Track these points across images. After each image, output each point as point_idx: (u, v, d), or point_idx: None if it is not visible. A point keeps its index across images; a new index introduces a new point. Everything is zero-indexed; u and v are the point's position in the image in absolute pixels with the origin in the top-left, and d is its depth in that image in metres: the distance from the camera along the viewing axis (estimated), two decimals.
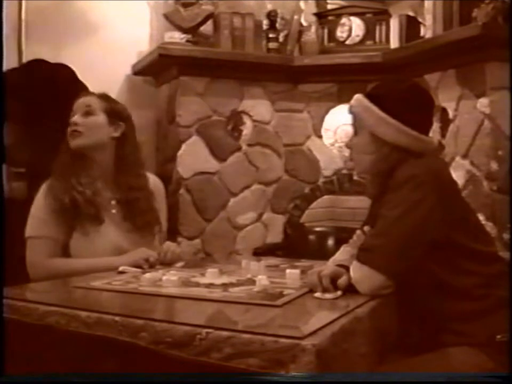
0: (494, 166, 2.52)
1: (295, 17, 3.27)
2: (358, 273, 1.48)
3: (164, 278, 1.59)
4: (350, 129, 1.79)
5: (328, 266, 1.55)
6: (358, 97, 1.68)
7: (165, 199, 2.25)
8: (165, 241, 2.12)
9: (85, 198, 1.92)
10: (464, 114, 2.66)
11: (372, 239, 1.53)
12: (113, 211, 2.00)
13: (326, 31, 3.25)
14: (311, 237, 3.20)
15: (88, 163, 2.00)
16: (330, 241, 3.06)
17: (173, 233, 2.91)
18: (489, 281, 1.52)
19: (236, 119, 3.21)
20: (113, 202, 2.01)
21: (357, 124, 1.69)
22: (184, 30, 3.02)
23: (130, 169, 2.05)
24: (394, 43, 3.10)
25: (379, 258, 1.46)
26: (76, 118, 2.00)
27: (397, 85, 1.71)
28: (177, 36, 3.02)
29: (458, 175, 2.66)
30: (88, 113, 2.01)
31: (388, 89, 1.68)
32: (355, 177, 3.28)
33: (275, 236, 3.28)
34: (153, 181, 2.19)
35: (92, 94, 2.08)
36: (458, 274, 1.51)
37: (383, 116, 1.60)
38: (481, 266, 1.53)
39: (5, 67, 2.04)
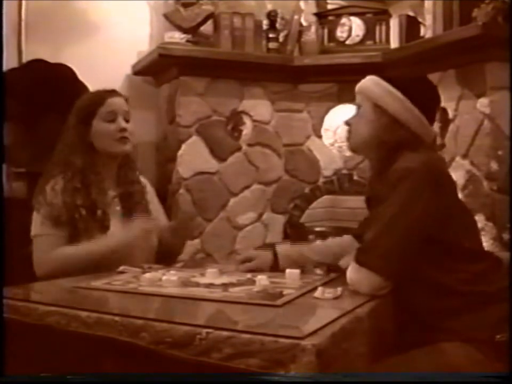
0: (494, 166, 2.51)
1: (295, 17, 3.27)
2: (357, 274, 1.47)
3: (164, 278, 1.59)
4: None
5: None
6: (369, 76, 1.71)
7: (155, 195, 2.24)
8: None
9: (95, 217, 1.90)
10: (464, 114, 2.66)
11: (370, 240, 1.51)
12: (117, 208, 2.00)
13: (326, 31, 3.25)
14: (311, 237, 3.19)
15: (104, 168, 2.00)
16: None
17: None
18: (476, 278, 1.52)
19: (235, 119, 3.21)
20: (115, 199, 2.01)
21: (361, 98, 1.70)
22: (184, 30, 3.03)
23: (129, 164, 2.06)
24: (394, 43, 3.10)
25: (377, 259, 1.45)
26: (123, 123, 1.99)
27: (409, 75, 1.80)
28: (177, 36, 3.02)
29: (458, 175, 2.66)
30: (126, 116, 2.02)
31: (400, 76, 1.74)
32: (355, 177, 3.28)
33: (275, 236, 3.28)
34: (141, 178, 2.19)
35: (120, 95, 2.06)
36: (447, 272, 1.51)
37: (392, 89, 1.62)
38: (469, 264, 1.53)
39: (5, 67, 2.04)
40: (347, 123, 1.75)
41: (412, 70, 2.94)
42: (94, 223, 1.91)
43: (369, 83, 1.68)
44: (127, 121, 2.01)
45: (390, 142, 1.59)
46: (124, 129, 1.98)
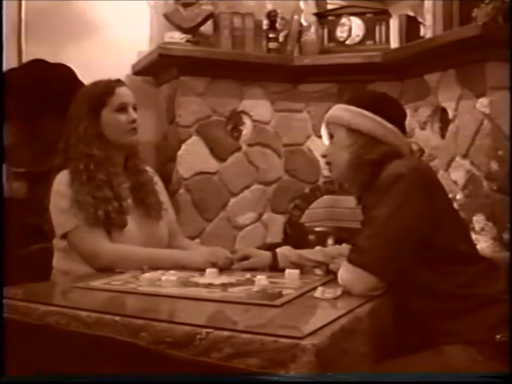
0: (494, 166, 2.52)
1: (295, 17, 3.27)
2: (350, 275, 1.47)
3: (163, 278, 1.59)
4: None
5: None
6: (336, 105, 1.72)
7: (163, 185, 2.21)
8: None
9: (114, 208, 1.86)
10: (464, 114, 2.66)
11: (364, 240, 1.50)
12: (129, 200, 1.96)
13: (326, 31, 3.25)
14: (311, 237, 3.20)
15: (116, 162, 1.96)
16: (330, 241, 3.06)
17: None
18: (473, 281, 1.52)
19: (235, 119, 3.21)
20: (127, 192, 1.98)
21: (332, 127, 1.71)
22: (184, 30, 3.03)
23: (136, 154, 2.04)
24: (394, 43, 3.10)
25: (372, 260, 1.45)
26: (134, 114, 1.97)
27: (370, 92, 1.84)
28: (177, 36, 3.02)
29: (458, 175, 2.66)
30: (135, 106, 1.99)
31: (364, 97, 1.74)
32: None
33: (275, 236, 3.28)
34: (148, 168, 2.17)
35: (125, 84, 2.03)
36: (444, 276, 1.51)
37: (359, 110, 1.63)
38: (465, 267, 1.53)
39: (5, 67, 2.04)
40: (323, 156, 1.77)
41: (412, 70, 2.95)
42: (120, 215, 1.88)
43: (337, 111, 1.69)
44: (135, 110, 1.99)
45: (373, 159, 1.59)
46: (134, 120, 1.96)
